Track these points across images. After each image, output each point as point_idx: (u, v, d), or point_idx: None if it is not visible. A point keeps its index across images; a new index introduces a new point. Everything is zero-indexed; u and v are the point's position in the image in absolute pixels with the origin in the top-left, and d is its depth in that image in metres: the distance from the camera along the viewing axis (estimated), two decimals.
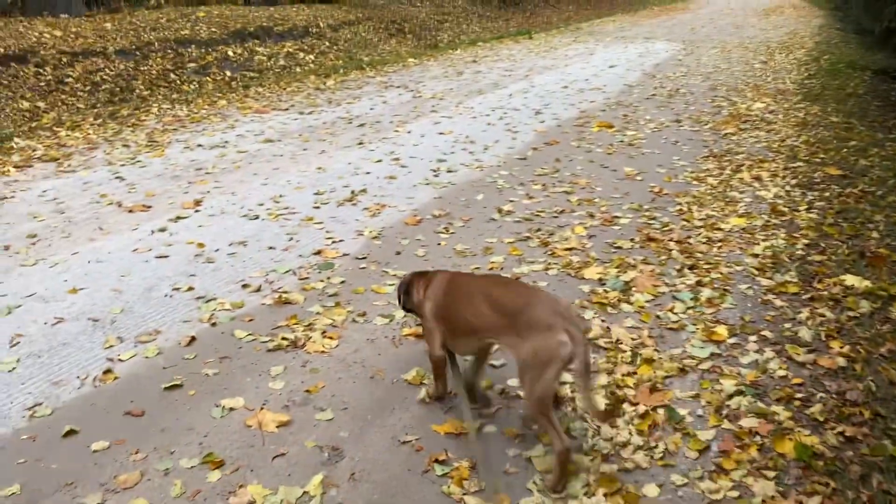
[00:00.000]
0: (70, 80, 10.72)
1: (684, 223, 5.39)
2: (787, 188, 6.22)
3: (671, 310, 4.02)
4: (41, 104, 9.77)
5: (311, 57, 15.63)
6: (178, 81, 12.08)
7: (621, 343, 3.65)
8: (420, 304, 3.00)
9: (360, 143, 7.59)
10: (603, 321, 3.88)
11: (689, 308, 4.05)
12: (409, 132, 8.14)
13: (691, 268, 4.59)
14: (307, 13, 17.84)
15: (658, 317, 3.95)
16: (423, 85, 11.39)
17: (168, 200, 5.69)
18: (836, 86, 11.28)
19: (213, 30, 14.55)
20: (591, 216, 5.53)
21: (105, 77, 11.18)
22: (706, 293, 4.22)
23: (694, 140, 7.98)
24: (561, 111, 9.44)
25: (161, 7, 15.91)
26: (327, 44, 16.65)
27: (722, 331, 3.77)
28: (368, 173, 6.54)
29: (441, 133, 8.11)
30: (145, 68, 11.96)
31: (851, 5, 19.31)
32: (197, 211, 5.46)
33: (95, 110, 9.34)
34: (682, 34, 20.38)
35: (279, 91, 10.80)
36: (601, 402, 3.02)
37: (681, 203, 5.86)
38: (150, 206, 5.53)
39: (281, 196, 5.84)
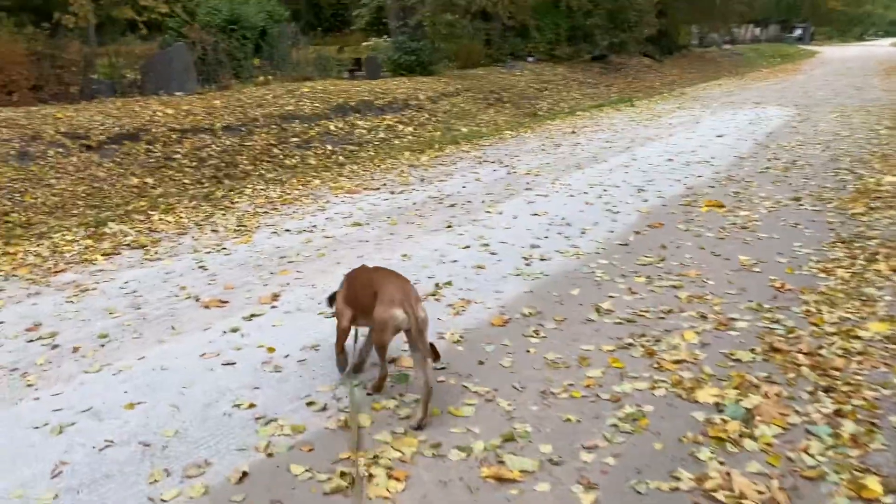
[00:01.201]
0: (178, 156, 10.97)
1: (813, 328, 4.63)
2: None
3: (806, 450, 3.29)
4: (149, 180, 9.99)
5: (411, 129, 15.65)
6: (280, 156, 12.23)
7: (745, 498, 2.96)
8: (337, 296, 4.02)
9: (449, 226, 7.17)
10: (722, 464, 3.20)
11: (828, 448, 3.31)
12: (500, 213, 7.69)
13: (827, 390, 3.83)
14: (407, 86, 17.97)
15: (790, 459, 3.23)
16: (519, 159, 10.99)
17: (246, 294, 5.41)
18: None
19: (316, 105, 14.79)
20: (703, 317, 4.84)
21: (211, 153, 11.42)
22: (849, 427, 3.46)
23: (817, 222, 7.14)
24: (665, 187, 8.78)
25: (268, 83, 16.36)
26: (426, 115, 16.69)
27: (873, 484, 3.02)
28: (455, 261, 6.10)
29: (535, 214, 7.61)
30: (250, 143, 12.18)
31: None
32: (273, 307, 5.13)
33: (190, 192, 9.40)
34: (796, 98, 19.29)
35: (373, 168, 10.64)
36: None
37: (808, 302, 5.09)
38: (226, 301, 5.25)
39: None
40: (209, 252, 6.46)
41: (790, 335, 4.53)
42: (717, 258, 6.12)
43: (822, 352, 4.28)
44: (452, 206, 8.07)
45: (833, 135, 12.56)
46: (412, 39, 19.53)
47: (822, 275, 5.65)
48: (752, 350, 4.33)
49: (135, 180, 9.96)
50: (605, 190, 8.66)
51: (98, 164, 9.91)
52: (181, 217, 7.75)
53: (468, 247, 6.49)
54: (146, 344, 4.54)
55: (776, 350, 4.33)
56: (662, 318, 4.87)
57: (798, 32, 58.99)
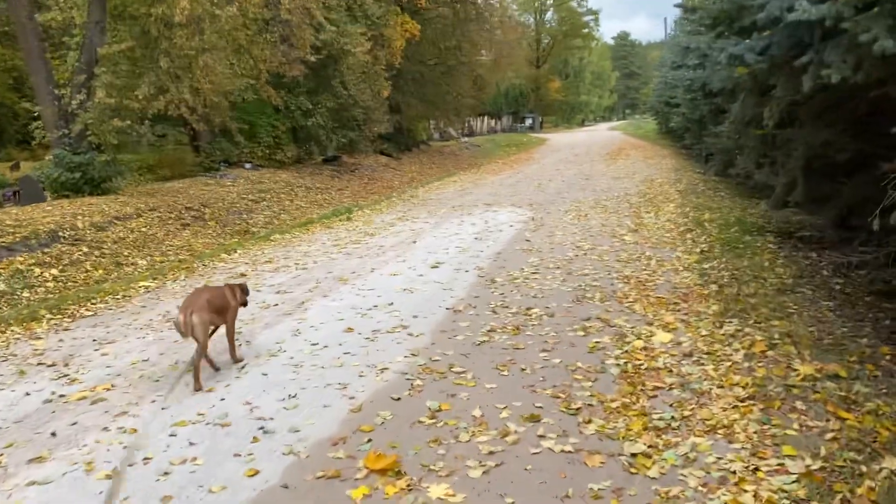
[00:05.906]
0: None
1: None
2: None
3: None
4: None
5: (54, 272, 10.48)
6: None
7: None
8: None
9: None
10: None
11: None
12: None
13: None
14: (62, 212, 12.63)
15: None
16: (99, 353, 6.22)
17: None
18: (749, 271, 7.21)
19: None
20: None
21: None
22: None
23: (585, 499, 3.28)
24: (312, 414, 4.50)
25: None
26: (85, 249, 11.56)
27: None
28: None
29: None
30: None
31: (705, 144, 16.39)
32: None
33: None
34: (529, 194, 16.66)
35: None
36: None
37: None
38: None
39: None
40: None
41: None
42: None
43: None
44: None
45: (573, 249, 9.36)
46: (76, 152, 14.36)
47: None
48: None
49: None
50: (192, 443, 4.21)
51: None
52: None
53: None
54: None
55: None
56: None
57: (529, 122, 60.87)
